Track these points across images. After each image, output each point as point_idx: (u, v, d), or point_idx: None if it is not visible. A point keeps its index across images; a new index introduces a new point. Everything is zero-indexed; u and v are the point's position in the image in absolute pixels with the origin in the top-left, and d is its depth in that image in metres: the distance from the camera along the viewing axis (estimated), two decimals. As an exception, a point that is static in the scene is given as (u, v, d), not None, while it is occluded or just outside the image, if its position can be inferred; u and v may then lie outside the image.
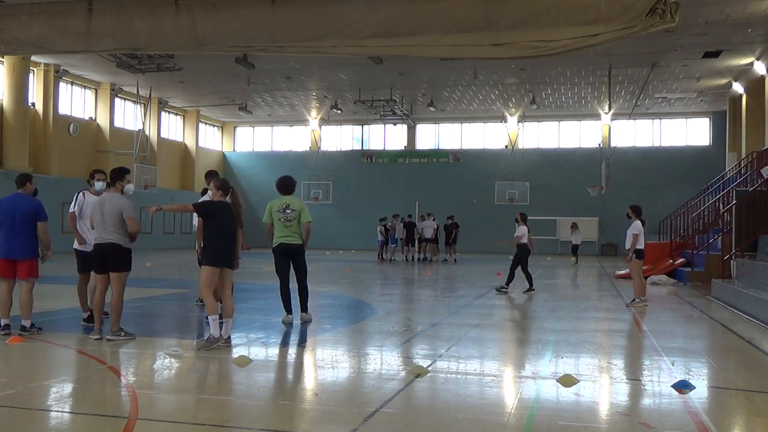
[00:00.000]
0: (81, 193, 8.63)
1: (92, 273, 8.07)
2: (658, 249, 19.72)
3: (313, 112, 37.42)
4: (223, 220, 7.30)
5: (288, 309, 8.87)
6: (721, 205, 18.23)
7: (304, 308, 9.05)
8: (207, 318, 7.22)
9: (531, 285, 13.97)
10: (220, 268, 7.25)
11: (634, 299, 11.90)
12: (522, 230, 14.08)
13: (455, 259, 26.37)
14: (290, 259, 8.91)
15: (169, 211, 8.06)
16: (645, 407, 5.25)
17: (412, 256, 26.51)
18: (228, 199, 7.40)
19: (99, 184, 8.45)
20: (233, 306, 7.46)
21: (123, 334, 7.48)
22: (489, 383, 6.01)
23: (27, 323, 7.80)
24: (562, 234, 35.32)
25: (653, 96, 30.80)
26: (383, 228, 26.50)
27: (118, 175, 7.73)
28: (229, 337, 7.22)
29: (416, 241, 26.31)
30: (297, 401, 5.40)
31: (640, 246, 11.84)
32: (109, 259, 7.52)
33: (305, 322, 8.94)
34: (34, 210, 7.82)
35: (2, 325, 7.81)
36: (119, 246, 7.48)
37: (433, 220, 26.21)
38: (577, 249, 26.15)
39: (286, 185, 9.04)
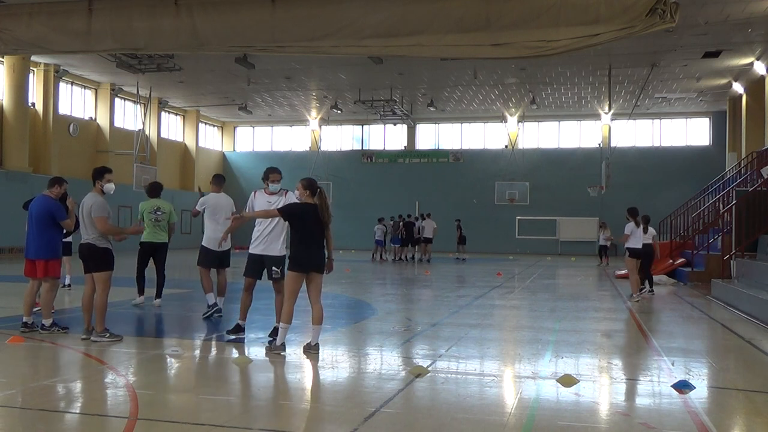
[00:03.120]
0: (253, 193, 8.08)
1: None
2: (659, 249, 19.69)
3: (313, 112, 37.42)
4: (308, 222, 6.83)
5: (142, 291, 10.57)
6: (721, 205, 18.22)
7: (159, 295, 10.56)
8: (279, 325, 6.95)
9: (644, 286, 14.17)
10: (304, 273, 6.81)
11: (631, 294, 12.61)
12: (651, 232, 14.20)
13: (459, 258, 27.03)
14: (153, 253, 10.54)
15: (251, 218, 7.62)
16: (645, 407, 5.25)
17: (412, 256, 26.58)
18: (315, 200, 6.89)
19: (273, 186, 7.83)
20: (322, 312, 6.96)
21: (108, 335, 7.39)
22: (489, 383, 6.01)
23: (47, 322, 7.84)
24: (562, 234, 35.35)
25: (653, 96, 30.80)
26: (384, 227, 26.65)
27: (98, 175, 7.69)
28: (317, 344, 6.87)
29: (414, 242, 26.42)
30: (297, 401, 5.40)
31: (635, 245, 12.67)
32: (87, 260, 7.54)
33: (159, 307, 10.36)
34: (49, 210, 7.86)
35: (22, 322, 7.91)
36: (94, 246, 7.47)
37: (423, 219, 26.33)
38: (606, 250, 25.40)
39: (154, 189, 10.76)
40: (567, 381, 5.75)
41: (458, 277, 18.97)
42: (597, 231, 26.02)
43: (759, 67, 24.31)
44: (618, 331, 9.33)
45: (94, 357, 6.68)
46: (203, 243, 9.49)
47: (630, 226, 12.75)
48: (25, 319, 7.94)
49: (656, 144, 36.15)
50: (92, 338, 7.38)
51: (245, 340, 7.72)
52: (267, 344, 7.21)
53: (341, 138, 40.09)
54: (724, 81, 27.67)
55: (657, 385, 5.97)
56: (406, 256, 26.58)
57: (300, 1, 9.22)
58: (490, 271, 20.84)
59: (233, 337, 7.83)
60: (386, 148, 39.43)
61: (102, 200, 7.58)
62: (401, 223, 26.44)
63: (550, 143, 37.24)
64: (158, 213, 10.37)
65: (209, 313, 9.38)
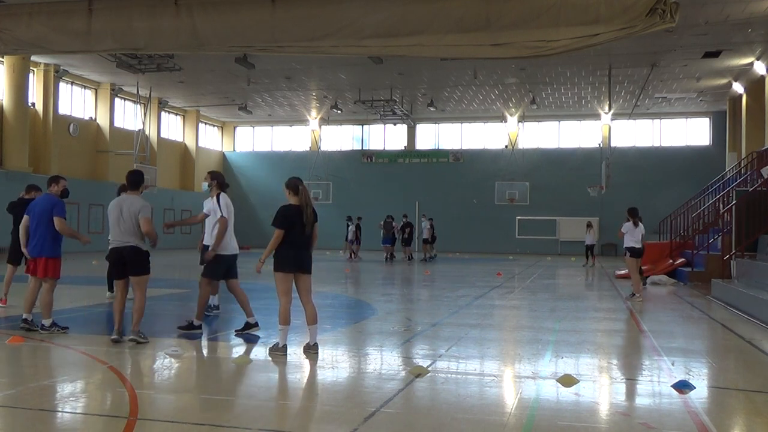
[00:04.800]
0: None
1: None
2: (658, 249, 19.70)
3: (313, 112, 37.41)
4: (295, 223, 6.76)
5: (111, 288, 10.63)
6: (721, 205, 18.22)
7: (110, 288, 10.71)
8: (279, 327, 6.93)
9: (645, 284, 14.20)
10: (290, 273, 6.76)
11: (633, 294, 12.59)
12: (640, 229, 14.12)
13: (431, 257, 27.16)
14: None
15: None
16: (645, 407, 5.25)
17: (411, 256, 26.69)
18: (299, 199, 6.81)
19: (203, 184, 8.26)
20: (315, 312, 6.93)
21: (142, 336, 7.34)
22: (489, 383, 6.01)
23: (47, 322, 7.84)
24: (561, 234, 35.35)
25: (653, 96, 30.79)
26: (355, 227, 26.90)
27: (141, 179, 7.67)
28: (316, 344, 6.88)
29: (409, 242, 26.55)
30: (297, 401, 5.41)
31: (635, 245, 12.80)
32: (127, 263, 7.37)
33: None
34: (50, 207, 7.88)
35: (22, 318, 7.94)
36: (139, 249, 7.35)
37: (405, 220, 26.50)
38: (592, 249, 25.51)
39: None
40: (567, 381, 5.75)
41: (458, 276, 18.97)
42: (585, 231, 25.96)
43: (759, 67, 24.30)
44: (618, 331, 9.33)
45: (94, 357, 6.68)
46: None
47: (627, 225, 12.90)
48: (25, 315, 7.95)
49: (656, 144, 36.13)
50: (129, 337, 7.27)
51: (257, 338, 7.80)
52: (269, 345, 7.22)
53: (341, 138, 40.08)
54: (724, 81, 27.66)
55: (657, 385, 5.97)
56: (409, 256, 26.69)
57: (300, 1, 9.22)
58: (489, 271, 20.84)
59: (243, 333, 8.01)
60: (386, 148, 39.42)
61: (147, 202, 7.59)
62: (392, 223, 26.55)
63: (550, 143, 37.23)
64: None
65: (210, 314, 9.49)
